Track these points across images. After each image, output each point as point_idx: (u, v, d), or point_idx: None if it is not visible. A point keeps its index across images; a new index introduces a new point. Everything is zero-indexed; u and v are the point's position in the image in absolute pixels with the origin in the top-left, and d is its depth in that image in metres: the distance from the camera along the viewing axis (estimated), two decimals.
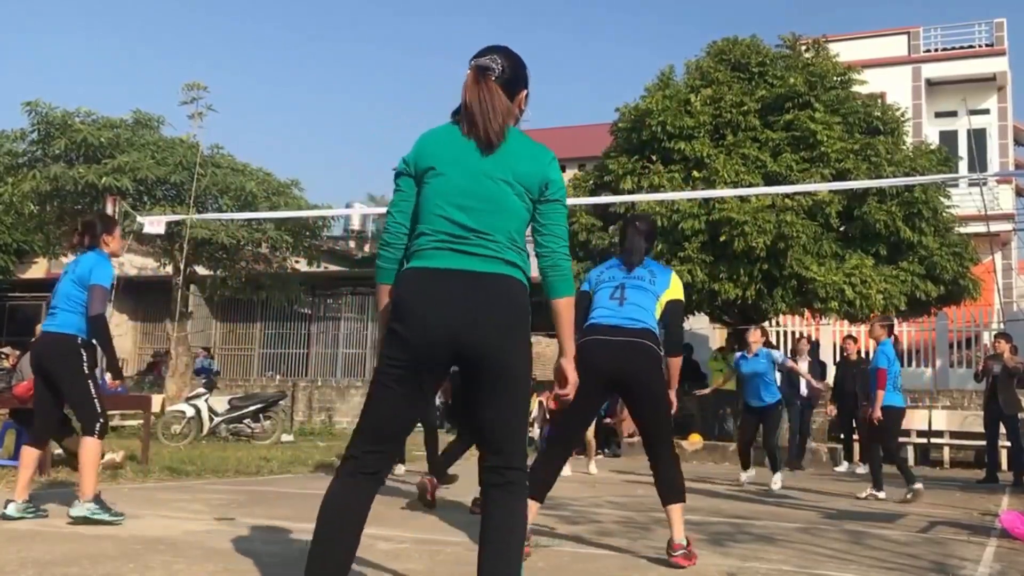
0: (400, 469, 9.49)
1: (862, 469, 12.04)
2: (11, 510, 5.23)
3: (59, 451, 8.50)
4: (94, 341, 5.34)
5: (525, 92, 2.89)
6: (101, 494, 5.24)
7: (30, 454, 5.43)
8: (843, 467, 12.31)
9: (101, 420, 5.24)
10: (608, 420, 14.44)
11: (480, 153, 2.76)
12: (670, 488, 4.60)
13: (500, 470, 2.73)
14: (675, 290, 4.77)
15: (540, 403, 15.55)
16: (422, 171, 2.79)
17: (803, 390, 12.69)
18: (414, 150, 2.84)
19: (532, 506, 4.57)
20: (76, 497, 5.19)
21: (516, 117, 2.88)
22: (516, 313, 2.72)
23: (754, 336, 9.64)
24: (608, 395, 4.88)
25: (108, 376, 5.72)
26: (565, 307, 2.84)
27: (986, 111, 23.29)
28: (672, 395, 4.76)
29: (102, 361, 5.70)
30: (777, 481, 9.11)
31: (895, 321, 10.81)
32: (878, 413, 8.36)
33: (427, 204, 2.76)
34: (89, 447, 5.22)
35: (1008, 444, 11.49)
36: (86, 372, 5.28)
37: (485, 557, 2.68)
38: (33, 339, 8.93)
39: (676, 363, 4.84)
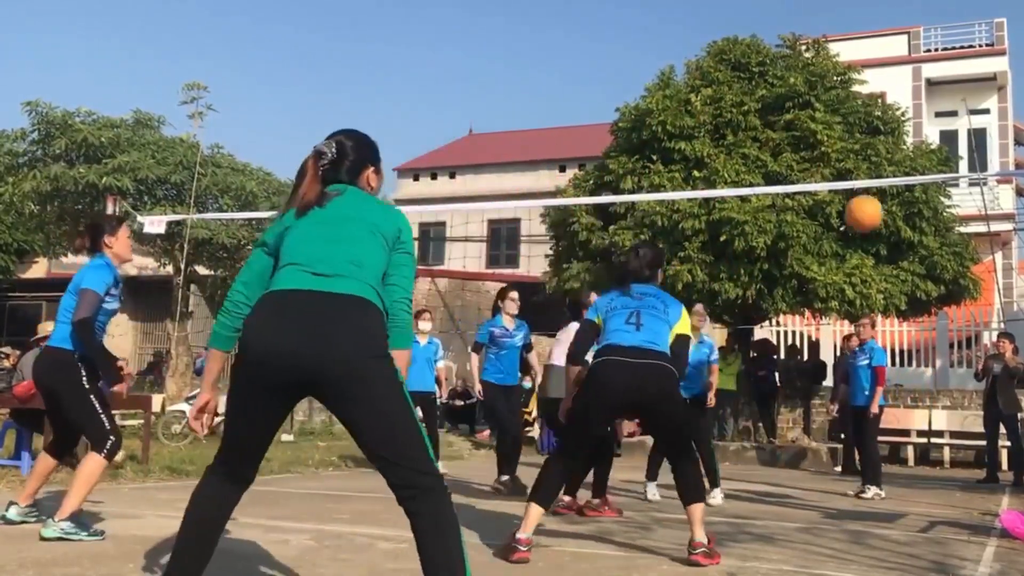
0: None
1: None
2: (12, 513, 5.05)
3: None
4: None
5: (371, 169, 3.07)
6: (82, 512, 4.76)
7: (46, 464, 5.17)
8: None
9: (112, 438, 4.79)
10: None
11: (331, 206, 2.89)
12: (690, 488, 4.65)
13: (407, 484, 2.65)
14: (684, 324, 4.82)
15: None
16: (279, 235, 2.90)
17: None
18: (271, 228, 2.96)
19: (536, 511, 4.59)
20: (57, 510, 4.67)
21: (367, 191, 3.03)
22: (366, 330, 2.69)
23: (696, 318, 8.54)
24: (620, 415, 4.86)
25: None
26: (400, 359, 2.81)
27: (986, 111, 23.29)
28: None
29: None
30: (716, 496, 7.59)
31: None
32: (876, 408, 8.71)
33: (288, 246, 2.85)
34: (92, 464, 4.72)
35: (1008, 444, 11.50)
36: (86, 387, 4.83)
37: (428, 568, 2.62)
38: (33, 337, 8.94)
39: None
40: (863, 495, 8.45)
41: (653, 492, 7.74)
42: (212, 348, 2.97)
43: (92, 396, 4.82)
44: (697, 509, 4.59)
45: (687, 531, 4.61)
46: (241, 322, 2.82)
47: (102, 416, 4.80)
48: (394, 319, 2.83)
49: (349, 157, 3.01)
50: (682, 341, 4.77)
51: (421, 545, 2.64)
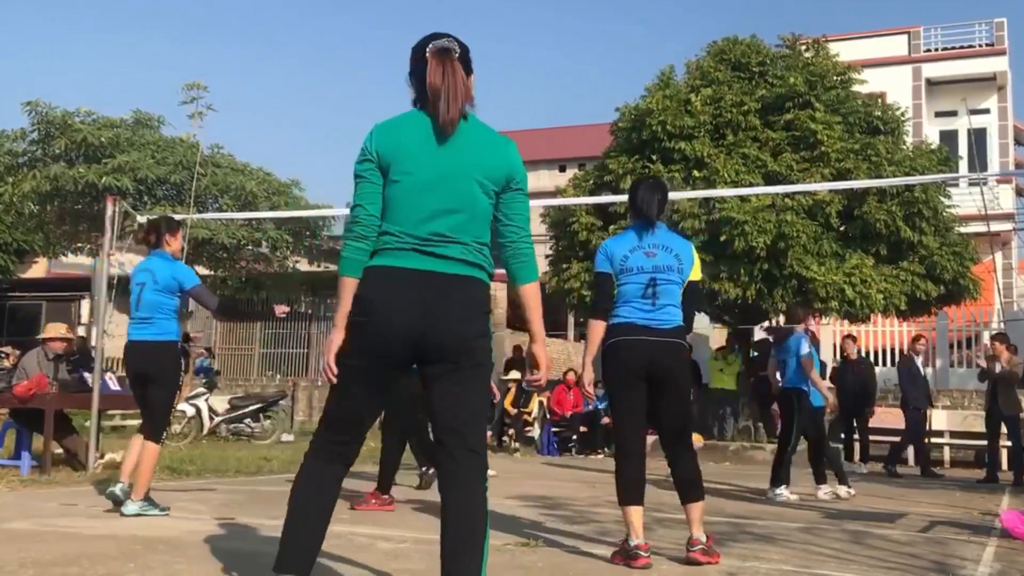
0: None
1: (862, 469, 12.06)
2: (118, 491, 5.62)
3: (59, 450, 8.50)
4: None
5: (473, 77, 2.91)
6: (150, 492, 5.71)
7: (147, 448, 5.67)
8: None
9: (166, 429, 5.82)
10: (608, 420, 14.43)
11: (445, 143, 2.76)
12: (689, 486, 4.59)
13: (457, 450, 2.76)
14: (696, 270, 4.70)
15: (540, 403, 15.57)
16: (388, 165, 2.78)
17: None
18: (376, 140, 2.81)
19: (637, 511, 4.47)
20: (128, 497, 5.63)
21: (472, 101, 2.88)
22: (476, 311, 2.78)
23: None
24: (639, 391, 4.64)
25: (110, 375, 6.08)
26: (530, 294, 2.88)
27: (986, 111, 23.29)
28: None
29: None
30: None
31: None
32: (834, 400, 8.96)
33: (396, 204, 2.77)
34: (152, 452, 5.64)
35: (1008, 444, 11.50)
36: (179, 382, 5.84)
37: (447, 545, 2.74)
38: (41, 337, 8.95)
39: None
40: (820, 494, 8.25)
41: None
42: (346, 276, 2.83)
43: (177, 391, 5.84)
44: (695, 508, 4.54)
45: (687, 531, 4.61)
46: (373, 247, 2.79)
47: (170, 411, 5.81)
48: (518, 256, 2.86)
49: (464, 59, 2.84)
50: (692, 289, 4.66)
51: (446, 523, 2.75)
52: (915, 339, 13.03)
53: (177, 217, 13.44)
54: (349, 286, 2.82)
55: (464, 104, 2.78)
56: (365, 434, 2.94)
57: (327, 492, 2.89)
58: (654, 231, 4.65)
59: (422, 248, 2.74)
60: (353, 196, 2.84)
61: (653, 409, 4.65)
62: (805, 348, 8.23)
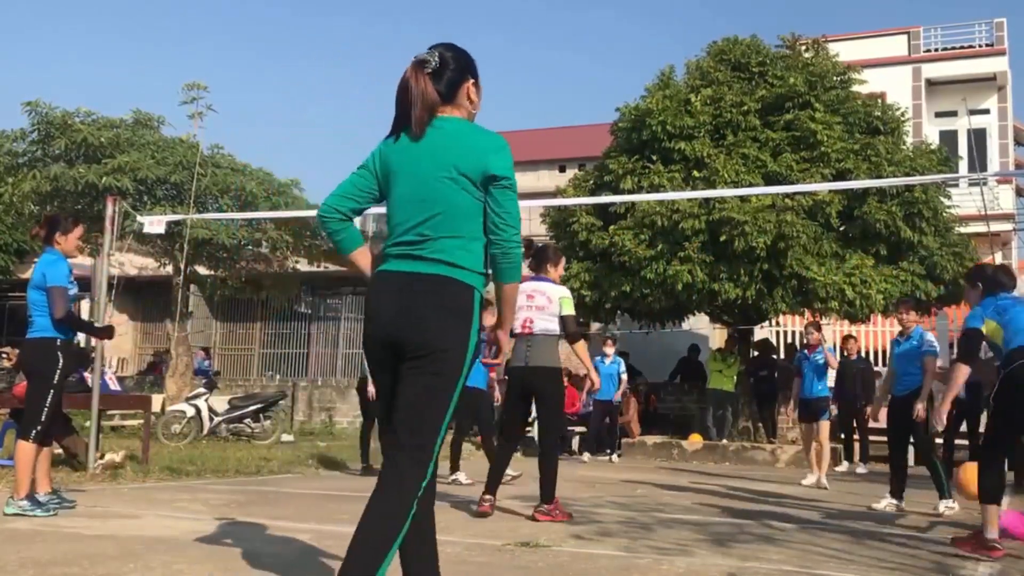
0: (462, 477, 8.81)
1: (862, 469, 12.06)
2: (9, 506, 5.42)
3: (59, 451, 8.50)
4: (76, 337, 5.71)
5: (471, 82, 3.07)
6: (36, 492, 5.58)
7: (17, 447, 5.66)
8: (843, 467, 12.31)
9: (38, 428, 5.47)
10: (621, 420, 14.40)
11: (421, 151, 2.96)
12: None
13: (401, 447, 2.83)
14: None
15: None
16: (383, 179, 3.06)
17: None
18: (377, 156, 3.09)
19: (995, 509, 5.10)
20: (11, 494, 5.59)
21: (466, 108, 3.06)
22: (449, 309, 2.87)
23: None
24: None
25: (109, 372, 5.89)
26: (510, 291, 3.05)
27: (986, 111, 23.27)
28: None
29: (105, 362, 5.84)
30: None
31: None
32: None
33: (389, 213, 3.04)
34: (22, 449, 5.48)
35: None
36: (54, 380, 5.51)
37: (359, 529, 2.73)
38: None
39: None
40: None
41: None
42: (350, 254, 3.14)
43: (51, 390, 5.49)
44: None
45: (687, 531, 4.61)
46: (337, 225, 3.07)
47: (45, 409, 5.47)
48: (507, 256, 2.96)
49: (451, 67, 3.03)
50: None
51: (367, 507, 2.77)
52: (846, 338, 12.96)
53: (176, 217, 13.56)
54: (357, 255, 3.18)
55: (422, 112, 2.97)
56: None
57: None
58: None
59: (405, 250, 2.94)
60: None
61: None
62: (932, 343, 7.56)
